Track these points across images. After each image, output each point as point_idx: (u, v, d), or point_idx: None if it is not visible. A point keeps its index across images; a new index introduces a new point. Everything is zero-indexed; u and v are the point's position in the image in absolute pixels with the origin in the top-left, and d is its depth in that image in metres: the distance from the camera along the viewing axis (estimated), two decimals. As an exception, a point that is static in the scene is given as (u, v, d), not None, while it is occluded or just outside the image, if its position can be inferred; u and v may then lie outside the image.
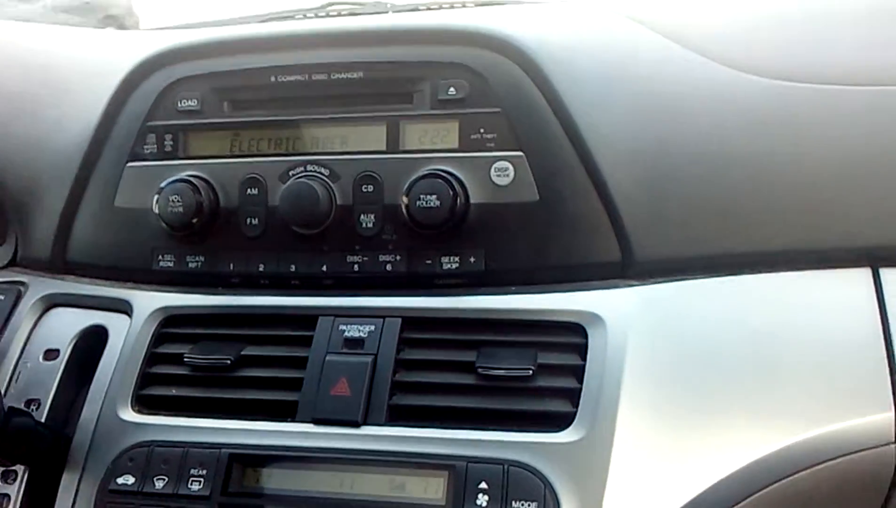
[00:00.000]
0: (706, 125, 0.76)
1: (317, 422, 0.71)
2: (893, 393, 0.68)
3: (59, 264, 0.87)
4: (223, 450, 0.70)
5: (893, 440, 0.67)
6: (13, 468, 0.75)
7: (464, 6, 1.08)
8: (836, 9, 0.85)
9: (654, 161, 0.75)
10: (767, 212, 0.74)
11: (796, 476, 0.66)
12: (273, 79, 0.80)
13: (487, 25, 0.79)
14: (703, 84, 0.78)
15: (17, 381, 0.80)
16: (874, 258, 0.73)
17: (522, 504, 0.64)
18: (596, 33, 0.83)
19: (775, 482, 0.66)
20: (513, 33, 0.78)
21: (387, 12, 1.06)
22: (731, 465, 0.66)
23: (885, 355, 0.69)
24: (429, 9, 1.07)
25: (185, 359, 0.76)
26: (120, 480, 0.71)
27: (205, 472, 0.70)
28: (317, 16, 1.11)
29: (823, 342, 0.70)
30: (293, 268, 0.79)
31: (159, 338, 0.79)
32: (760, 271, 0.74)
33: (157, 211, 0.79)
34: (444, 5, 1.08)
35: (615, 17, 0.85)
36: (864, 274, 0.73)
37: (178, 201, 0.78)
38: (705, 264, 0.74)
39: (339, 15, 1.11)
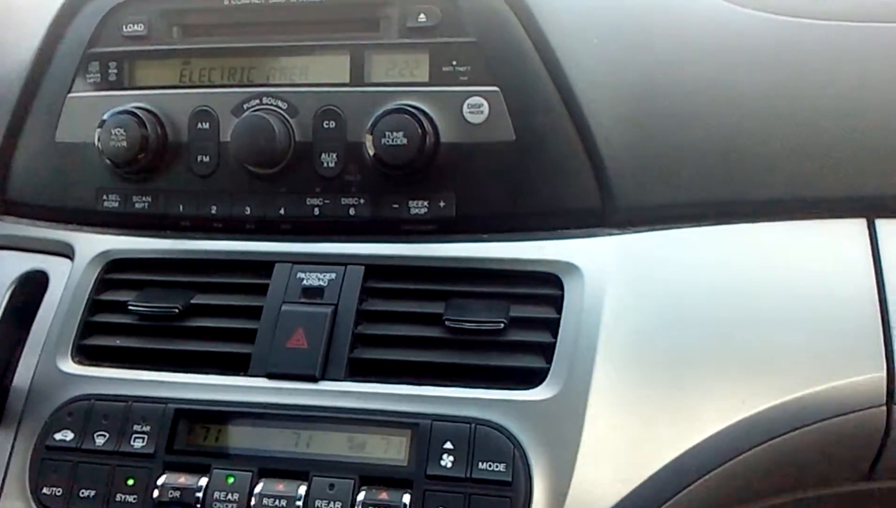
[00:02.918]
0: (698, 62, 0.72)
1: (271, 376, 0.68)
2: (886, 352, 0.65)
3: (-4, 204, 0.83)
4: (169, 405, 0.67)
5: (884, 401, 0.65)
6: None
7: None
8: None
9: (640, 100, 0.72)
10: (759, 157, 0.70)
11: (782, 437, 0.64)
12: (227, 2, 0.76)
13: (461, -55, 0.74)
14: (696, 18, 0.74)
15: (-51, 329, 0.77)
16: (870, 209, 0.70)
17: (490, 466, 0.61)
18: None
19: (759, 444, 0.64)
20: None
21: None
22: (713, 426, 0.63)
23: (878, 311, 0.66)
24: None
25: (130, 307, 0.73)
26: (58, 436, 0.68)
27: (149, 428, 0.67)
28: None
29: (813, 296, 0.67)
30: (248, 210, 0.75)
31: (103, 284, 0.76)
32: (749, 221, 0.70)
33: (99, 146, 0.75)
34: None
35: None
36: (860, 225, 0.70)
37: (121, 135, 0.74)
38: (691, 212, 0.71)
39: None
